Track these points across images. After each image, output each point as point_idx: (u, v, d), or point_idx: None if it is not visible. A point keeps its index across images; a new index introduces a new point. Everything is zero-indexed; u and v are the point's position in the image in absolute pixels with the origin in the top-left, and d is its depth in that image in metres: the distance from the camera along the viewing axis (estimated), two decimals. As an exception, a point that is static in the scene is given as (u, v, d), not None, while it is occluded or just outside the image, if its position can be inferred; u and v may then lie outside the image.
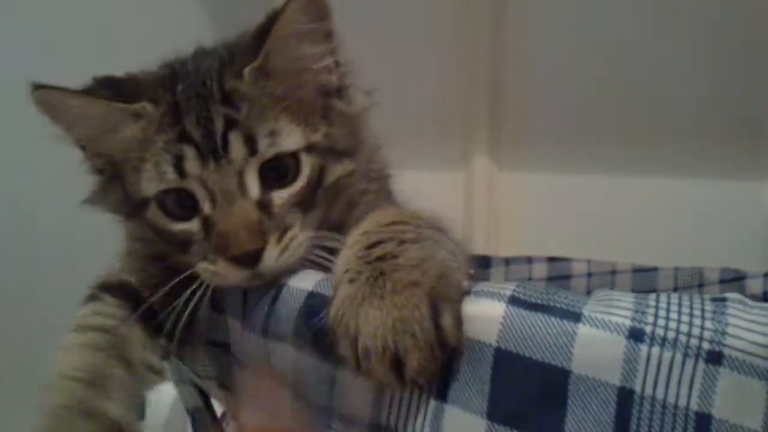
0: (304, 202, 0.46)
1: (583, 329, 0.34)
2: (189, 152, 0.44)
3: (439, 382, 0.36)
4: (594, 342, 0.34)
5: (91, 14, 0.88)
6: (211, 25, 1.08)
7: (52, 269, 0.82)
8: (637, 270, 0.87)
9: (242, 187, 0.45)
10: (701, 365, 0.32)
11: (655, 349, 0.33)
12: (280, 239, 0.44)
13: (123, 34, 0.89)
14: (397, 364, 0.35)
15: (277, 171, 0.46)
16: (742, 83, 1.04)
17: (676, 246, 0.93)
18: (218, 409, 0.57)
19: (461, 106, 1.20)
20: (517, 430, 0.35)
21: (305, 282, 0.42)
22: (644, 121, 1.10)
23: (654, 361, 0.33)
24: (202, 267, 0.44)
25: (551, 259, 0.93)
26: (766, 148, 1.04)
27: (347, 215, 0.50)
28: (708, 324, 0.33)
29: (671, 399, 0.33)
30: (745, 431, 0.32)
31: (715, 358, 0.32)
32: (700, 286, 0.83)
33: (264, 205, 0.45)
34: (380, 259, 0.38)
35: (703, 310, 0.34)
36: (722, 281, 0.81)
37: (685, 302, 0.35)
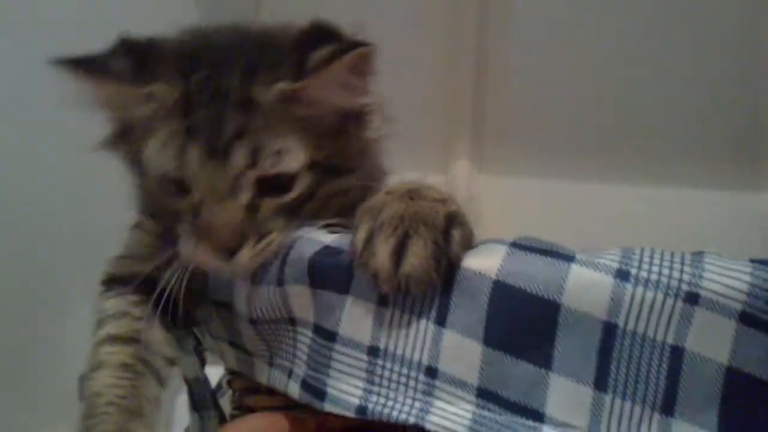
0: (292, 211, 0.46)
1: (575, 268, 0.38)
2: (193, 148, 0.44)
3: (439, 308, 0.39)
4: (584, 280, 0.37)
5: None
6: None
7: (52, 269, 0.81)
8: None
9: (235, 191, 0.45)
10: (679, 304, 0.36)
11: (639, 289, 0.36)
12: (257, 242, 0.44)
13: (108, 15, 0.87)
14: (399, 254, 0.38)
15: (272, 181, 0.46)
16: (738, 89, 1.03)
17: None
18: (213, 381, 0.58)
19: (443, 109, 1.19)
20: (510, 355, 0.38)
21: (321, 236, 0.45)
22: (634, 128, 1.09)
23: (638, 299, 0.36)
24: (185, 245, 0.45)
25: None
26: (763, 158, 1.02)
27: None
28: (687, 269, 0.37)
29: (650, 333, 0.36)
30: (713, 363, 0.36)
31: (692, 298, 0.36)
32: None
33: (250, 210, 0.45)
34: (408, 192, 0.42)
35: (683, 259, 0.38)
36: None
37: (667, 254, 0.39)
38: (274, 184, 0.45)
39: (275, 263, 0.44)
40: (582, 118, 1.13)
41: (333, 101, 0.47)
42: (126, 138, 0.49)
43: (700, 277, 0.36)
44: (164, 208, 0.47)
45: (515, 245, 0.40)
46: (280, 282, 0.43)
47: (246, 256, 0.43)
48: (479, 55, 1.16)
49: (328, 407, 0.40)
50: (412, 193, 0.42)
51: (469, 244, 0.41)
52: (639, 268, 0.37)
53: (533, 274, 0.38)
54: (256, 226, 0.45)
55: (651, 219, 1.05)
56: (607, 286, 0.37)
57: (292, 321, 0.44)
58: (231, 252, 0.43)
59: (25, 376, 0.77)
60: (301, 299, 0.42)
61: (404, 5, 1.19)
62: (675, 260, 0.38)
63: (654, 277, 0.37)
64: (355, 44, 0.45)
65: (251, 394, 0.50)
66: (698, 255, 0.38)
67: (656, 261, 0.38)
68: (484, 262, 0.39)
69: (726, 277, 0.36)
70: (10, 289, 0.74)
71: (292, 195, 0.46)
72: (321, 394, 0.41)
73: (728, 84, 1.03)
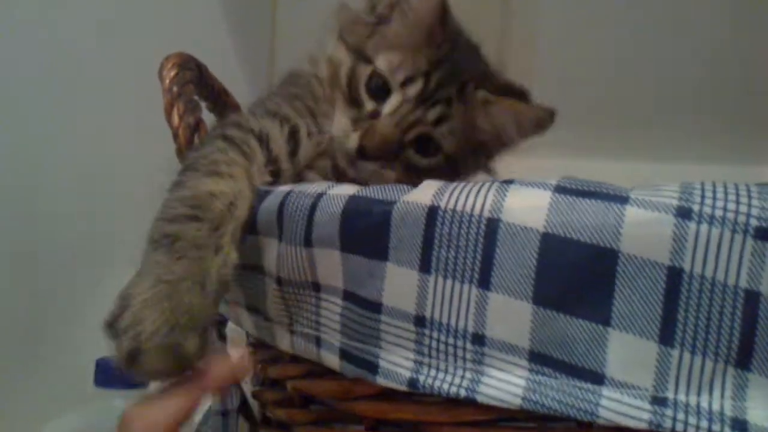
0: (417, 172, 0.56)
1: (630, 210, 0.34)
2: (414, 88, 0.56)
3: (482, 269, 0.35)
4: (642, 222, 0.33)
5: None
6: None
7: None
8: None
9: (408, 127, 0.55)
10: (749, 242, 0.32)
11: (704, 227, 0.33)
12: (385, 165, 0.55)
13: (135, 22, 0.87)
14: None
15: (425, 144, 0.57)
16: (742, 66, 1.02)
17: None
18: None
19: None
20: (564, 313, 0.34)
21: (343, 190, 0.41)
22: (641, 104, 1.08)
23: (703, 239, 0.33)
24: (342, 126, 0.55)
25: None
26: (763, 132, 1.02)
27: None
28: (755, 202, 0.33)
29: (720, 277, 0.33)
30: (794, 306, 0.32)
31: (763, 234, 0.32)
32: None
33: (401, 146, 0.56)
34: None
35: (749, 191, 0.34)
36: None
37: (731, 186, 0.35)
38: (425, 148, 0.57)
39: (301, 221, 0.40)
40: (594, 96, 1.10)
41: (501, 127, 0.59)
42: (378, 31, 0.58)
43: (772, 209, 0.32)
44: (350, 93, 0.57)
45: (560, 189, 0.36)
46: (308, 242, 0.40)
47: (372, 167, 0.54)
48: (504, 31, 1.13)
49: (380, 381, 0.37)
50: None
51: None
52: (702, 203, 0.33)
53: (585, 221, 0.34)
54: (392, 158, 0.55)
55: None
56: (668, 225, 0.33)
57: (316, 287, 0.41)
58: (365, 155, 0.53)
59: (37, 365, 0.75)
60: (329, 264, 0.39)
61: None
62: (741, 192, 0.34)
63: (719, 213, 0.33)
64: (544, 110, 0.58)
65: (275, 363, 0.46)
66: (765, 186, 0.34)
67: (720, 195, 0.34)
68: (527, 213, 0.35)
69: (801, 209, 0.32)
70: (22, 278, 0.73)
71: (432, 161, 0.57)
72: (373, 367, 0.38)
73: (733, 56, 1.03)
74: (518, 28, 1.14)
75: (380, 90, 0.55)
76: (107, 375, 0.64)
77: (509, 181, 0.37)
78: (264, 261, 0.43)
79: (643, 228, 0.33)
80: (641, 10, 1.06)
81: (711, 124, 1.04)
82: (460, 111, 0.57)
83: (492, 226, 0.35)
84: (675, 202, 0.34)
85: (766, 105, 1.02)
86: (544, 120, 0.57)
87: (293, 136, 0.53)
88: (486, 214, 0.35)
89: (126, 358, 0.35)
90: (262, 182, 0.45)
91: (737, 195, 0.33)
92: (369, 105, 0.55)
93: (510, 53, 1.13)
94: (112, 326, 0.35)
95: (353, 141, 0.54)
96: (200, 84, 0.53)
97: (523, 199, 0.36)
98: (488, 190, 0.36)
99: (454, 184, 0.38)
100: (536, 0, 1.13)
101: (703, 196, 0.34)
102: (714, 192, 0.34)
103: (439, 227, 0.36)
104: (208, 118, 0.58)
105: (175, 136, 0.47)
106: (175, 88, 0.48)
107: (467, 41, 0.61)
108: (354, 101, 0.56)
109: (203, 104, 0.56)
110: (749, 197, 0.33)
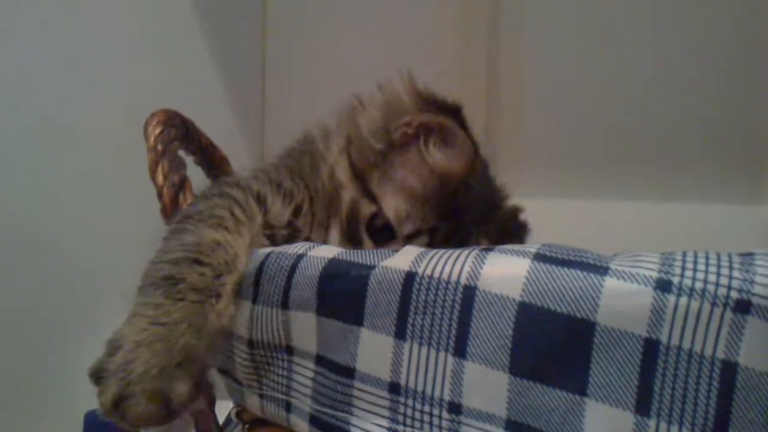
0: None
1: (610, 282, 0.33)
2: (419, 242, 0.52)
3: (458, 337, 0.35)
4: (621, 294, 0.33)
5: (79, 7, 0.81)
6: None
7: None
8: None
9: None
10: (728, 314, 0.32)
11: (683, 299, 0.32)
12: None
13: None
14: None
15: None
16: (742, 103, 0.99)
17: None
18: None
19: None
20: (540, 384, 0.34)
21: (324, 251, 0.41)
22: (640, 143, 1.04)
23: (681, 311, 0.32)
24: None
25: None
26: (763, 171, 1.00)
27: None
28: (736, 274, 0.32)
29: (697, 348, 0.32)
30: (771, 379, 0.32)
31: (743, 306, 0.32)
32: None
33: None
34: None
35: (730, 262, 0.33)
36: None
37: (713, 256, 0.34)
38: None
39: (279, 282, 0.40)
40: (593, 134, 1.08)
41: None
42: (387, 162, 0.53)
43: (752, 282, 0.32)
44: (348, 226, 0.52)
45: (540, 257, 0.35)
46: (285, 305, 0.39)
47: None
48: (492, 75, 1.11)
49: None
50: None
51: None
52: (681, 275, 0.33)
53: (562, 291, 0.33)
54: None
55: (653, 233, 1.02)
56: (647, 298, 0.32)
57: (290, 350, 0.40)
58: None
59: (25, 418, 0.74)
60: (304, 327, 0.38)
61: (414, 20, 1.14)
62: (722, 264, 0.33)
63: (699, 285, 0.32)
64: None
65: (261, 425, 0.46)
66: (748, 256, 0.34)
67: (700, 266, 0.33)
68: (505, 281, 0.34)
69: (781, 280, 0.32)
70: (9, 331, 0.71)
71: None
72: None
73: (731, 95, 1.00)
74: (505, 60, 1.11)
75: (382, 233, 0.51)
76: (96, 428, 0.63)
77: (489, 249, 0.36)
78: (234, 325, 0.42)
79: (621, 300, 0.33)
80: (638, 46, 1.03)
81: (710, 163, 1.02)
82: None
83: (468, 293, 0.34)
84: (655, 274, 0.33)
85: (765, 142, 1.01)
86: None
87: (294, 208, 0.51)
88: (463, 281, 0.35)
89: (111, 401, 0.34)
90: (259, 244, 0.45)
91: (718, 266, 0.33)
92: (368, 245, 0.51)
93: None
94: (99, 370, 0.35)
95: None
96: (186, 139, 0.52)
97: (501, 267, 0.35)
98: (467, 257, 0.36)
99: (435, 250, 0.37)
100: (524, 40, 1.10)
101: (683, 268, 0.33)
102: (695, 263, 0.33)
103: (415, 293, 0.35)
104: (196, 171, 0.58)
105: (160, 195, 0.46)
106: (159, 146, 0.47)
107: (483, 174, 0.55)
108: (351, 236, 0.51)
109: (191, 158, 0.55)
110: (731, 269, 0.33)
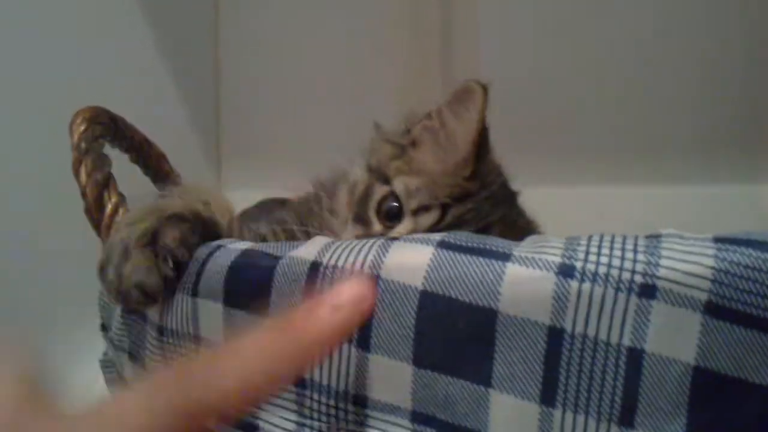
0: None
1: (511, 268, 0.32)
2: (428, 218, 0.49)
3: (361, 331, 0.34)
4: (522, 280, 0.32)
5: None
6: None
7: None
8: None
9: None
10: (634, 299, 0.31)
11: (586, 285, 0.31)
12: None
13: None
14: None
15: None
16: (738, 82, 0.97)
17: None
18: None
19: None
20: (445, 374, 0.33)
21: (242, 245, 0.40)
22: (633, 126, 1.01)
23: (585, 298, 0.31)
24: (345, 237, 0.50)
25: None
26: (763, 150, 0.97)
27: None
28: (641, 257, 0.31)
29: (603, 335, 0.31)
30: (677, 364, 0.31)
31: (648, 291, 0.31)
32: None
33: None
34: None
35: (635, 245, 0.32)
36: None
37: (618, 240, 0.33)
38: None
39: (193, 270, 0.40)
40: (584, 119, 1.05)
41: None
42: (406, 154, 0.53)
43: (656, 265, 0.31)
44: (358, 210, 0.51)
45: (443, 244, 0.34)
46: (194, 293, 0.39)
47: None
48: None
49: None
50: None
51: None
52: (585, 260, 0.32)
53: (464, 279, 0.33)
54: None
55: (651, 218, 1.00)
56: (549, 284, 0.31)
57: (197, 340, 0.40)
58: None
59: None
60: (211, 317, 0.38)
61: (368, 21, 1.11)
62: (627, 247, 0.32)
63: (602, 269, 0.31)
64: None
65: None
66: (654, 239, 0.33)
67: (605, 250, 0.32)
68: (407, 270, 0.33)
69: (686, 263, 0.31)
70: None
71: None
72: (252, 429, 0.37)
73: (724, 76, 0.98)
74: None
75: (392, 214, 0.50)
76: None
77: (394, 238, 0.35)
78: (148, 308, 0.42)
79: (523, 287, 0.32)
80: (631, 30, 1.00)
81: (709, 143, 0.99)
82: None
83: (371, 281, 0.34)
84: (557, 260, 0.32)
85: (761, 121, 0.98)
86: None
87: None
88: (366, 270, 0.34)
89: (115, 271, 0.40)
90: None
91: (623, 250, 0.32)
92: (376, 227, 0.50)
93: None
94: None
95: None
96: (116, 137, 0.52)
97: (404, 256, 0.34)
98: (371, 247, 0.35)
99: (344, 241, 0.37)
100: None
101: (587, 252, 0.32)
102: (599, 247, 0.32)
103: (319, 284, 0.35)
104: (133, 168, 0.58)
105: (83, 194, 0.46)
106: (83, 144, 0.47)
107: (503, 185, 0.55)
108: (361, 219, 0.51)
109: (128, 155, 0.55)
110: (635, 252, 0.32)
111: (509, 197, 0.56)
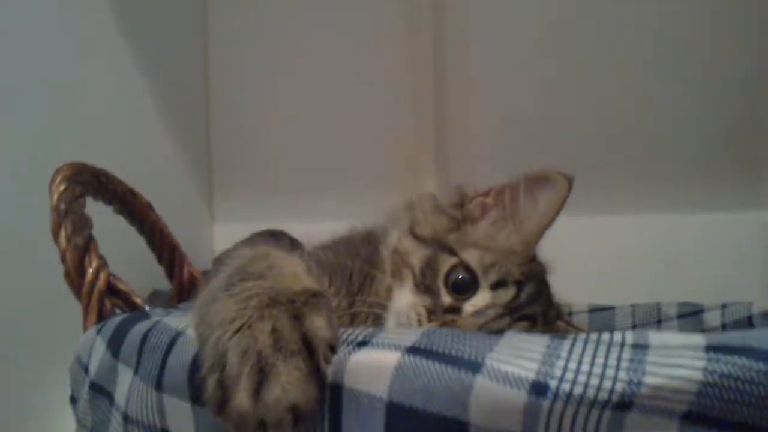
0: None
1: (480, 381, 0.30)
2: (507, 294, 0.51)
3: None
4: (491, 396, 0.30)
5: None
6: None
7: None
8: (594, 309, 0.80)
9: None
10: (607, 413, 0.29)
11: (558, 405, 0.29)
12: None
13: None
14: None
15: None
16: (738, 108, 0.97)
17: (676, 280, 0.91)
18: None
19: (408, 146, 1.08)
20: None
21: None
22: (634, 154, 1.01)
23: (556, 416, 0.29)
24: (412, 303, 0.50)
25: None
26: (764, 177, 0.98)
27: None
28: (622, 374, 0.29)
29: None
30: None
31: (624, 406, 0.29)
32: (659, 322, 0.76)
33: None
34: None
35: (619, 358, 0.29)
36: (680, 316, 0.75)
37: (601, 350, 0.30)
38: None
39: (157, 360, 0.38)
40: (583, 147, 1.03)
41: None
42: (463, 229, 0.55)
43: (638, 383, 0.29)
44: (422, 280, 0.51)
45: (411, 350, 0.32)
46: (159, 386, 0.38)
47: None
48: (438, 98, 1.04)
49: None
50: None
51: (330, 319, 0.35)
52: (561, 378, 0.29)
53: (431, 390, 0.31)
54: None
55: (653, 245, 1.02)
56: (519, 404, 0.30)
57: None
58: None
59: None
60: (179, 414, 0.37)
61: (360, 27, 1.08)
62: (609, 362, 0.29)
63: (578, 389, 0.29)
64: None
65: None
66: (641, 349, 0.30)
67: (584, 366, 0.30)
68: (373, 379, 0.32)
69: (672, 379, 0.28)
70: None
71: None
72: None
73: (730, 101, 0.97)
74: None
75: (461, 286, 0.50)
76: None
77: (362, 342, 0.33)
78: (116, 390, 0.41)
79: (492, 403, 0.30)
80: (626, 55, 0.99)
81: (712, 171, 1.00)
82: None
83: (335, 392, 0.32)
84: (532, 375, 0.30)
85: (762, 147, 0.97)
86: None
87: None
88: (329, 379, 0.32)
89: (250, 392, 0.31)
90: None
91: (604, 366, 0.29)
92: (446, 298, 0.49)
93: None
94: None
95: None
96: (99, 192, 0.48)
97: (370, 359, 0.32)
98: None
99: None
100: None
101: (565, 368, 0.30)
102: (579, 362, 0.30)
103: None
104: (118, 220, 0.55)
105: (63, 258, 0.43)
106: (62, 206, 0.43)
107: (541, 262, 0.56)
108: (425, 289, 0.50)
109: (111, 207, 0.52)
110: (617, 369, 0.29)
111: (545, 273, 0.57)
